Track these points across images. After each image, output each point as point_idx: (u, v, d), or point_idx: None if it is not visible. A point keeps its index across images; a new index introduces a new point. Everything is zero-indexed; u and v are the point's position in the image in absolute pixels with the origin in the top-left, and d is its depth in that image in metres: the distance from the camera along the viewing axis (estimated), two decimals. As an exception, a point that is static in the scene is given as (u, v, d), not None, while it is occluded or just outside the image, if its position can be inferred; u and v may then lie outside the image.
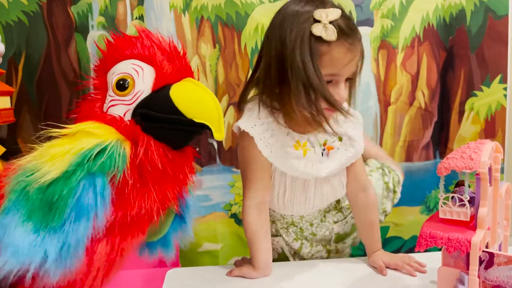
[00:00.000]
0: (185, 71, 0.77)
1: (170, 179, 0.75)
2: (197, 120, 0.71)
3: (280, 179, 0.95)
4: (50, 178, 0.66)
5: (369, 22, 1.43)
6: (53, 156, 0.68)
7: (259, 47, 1.41)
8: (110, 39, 0.81)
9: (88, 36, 1.38)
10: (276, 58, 0.85)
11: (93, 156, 0.68)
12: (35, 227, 0.66)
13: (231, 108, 1.44)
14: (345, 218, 1.09)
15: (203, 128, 0.72)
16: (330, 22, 0.81)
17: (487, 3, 1.40)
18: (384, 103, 1.48)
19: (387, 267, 0.95)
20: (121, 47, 0.77)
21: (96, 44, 0.83)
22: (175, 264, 1.30)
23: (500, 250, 0.77)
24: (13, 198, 0.67)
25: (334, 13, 0.83)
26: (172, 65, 0.75)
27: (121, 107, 0.75)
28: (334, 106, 0.83)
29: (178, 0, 1.39)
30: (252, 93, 0.98)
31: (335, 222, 1.08)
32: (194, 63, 1.42)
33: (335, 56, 0.81)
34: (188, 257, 1.49)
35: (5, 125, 1.32)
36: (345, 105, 0.90)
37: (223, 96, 1.44)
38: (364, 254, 1.25)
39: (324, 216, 1.06)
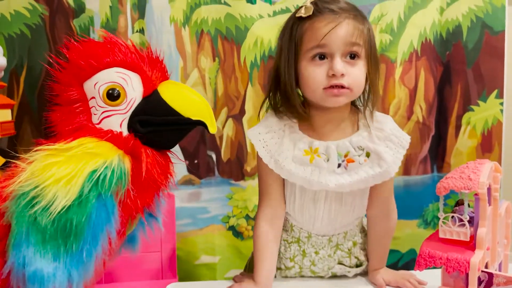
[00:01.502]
0: (164, 73, 0.79)
1: (157, 184, 0.77)
2: (193, 118, 0.73)
3: (291, 188, 0.90)
4: (62, 206, 0.66)
5: (367, 37, 1.45)
6: (58, 179, 0.67)
7: (258, 60, 1.43)
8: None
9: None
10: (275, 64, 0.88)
11: (101, 178, 0.69)
12: (54, 254, 0.67)
13: (230, 121, 1.45)
14: (350, 268, 0.98)
15: (198, 125, 0.75)
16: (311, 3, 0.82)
17: (483, 19, 1.42)
18: (382, 117, 1.49)
19: (387, 285, 0.92)
20: (98, 54, 0.75)
21: (62, 49, 0.78)
22: (172, 277, 1.30)
23: (500, 269, 0.77)
24: (23, 230, 0.67)
25: None
26: (154, 69, 0.76)
27: (117, 117, 0.74)
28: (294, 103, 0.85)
29: (178, 13, 1.40)
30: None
31: (340, 263, 0.97)
32: (194, 76, 1.43)
33: (316, 26, 0.81)
34: (185, 270, 1.49)
35: (5, 137, 1.32)
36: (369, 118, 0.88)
37: (222, 109, 1.44)
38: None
39: (334, 253, 0.96)
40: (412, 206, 1.53)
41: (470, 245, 0.70)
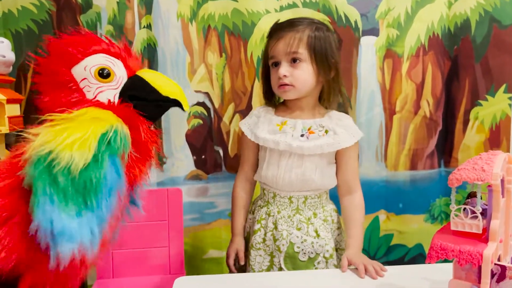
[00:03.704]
0: (139, 63, 0.93)
1: (149, 152, 0.87)
2: (171, 97, 0.87)
3: (264, 153, 1.14)
4: (82, 164, 0.72)
5: (374, 32, 1.45)
6: (72, 142, 0.73)
7: (265, 56, 1.43)
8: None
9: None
10: None
11: (112, 139, 0.77)
12: (76, 210, 0.73)
13: (237, 116, 1.45)
14: (307, 237, 1.10)
15: (173, 103, 0.88)
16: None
17: (492, 13, 1.41)
18: (389, 111, 1.49)
19: (349, 265, 1.01)
20: (85, 43, 0.86)
21: (51, 39, 0.87)
22: (180, 272, 1.30)
23: None
24: (46, 191, 0.71)
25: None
26: (131, 58, 0.90)
27: (110, 91, 0.86)
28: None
29: (185, 9, 1.40)
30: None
31: (298, 229, 1.10)
32: (201, 71, 1.43)
33: (270, 43, 1.11)
34: (193, 264, 1.49)
35: (13, 132, 1.33)
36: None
37: (229, 104, 1.44)
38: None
39: (294, 215, 1.11)
40: (419, 201, 1.53)
41: (483, 237, 0.69)
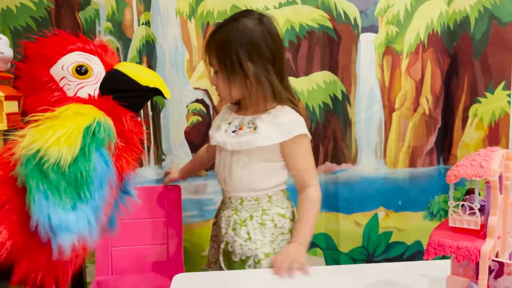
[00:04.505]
0: (116, 58, 0.96)
1: (133, 142, 0.89)
2: (151, 86, 0.90)
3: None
4: (70, 159, 0.75)
5: (374, 29, 1.44)
6: (58, 138, 0.76)
7: (264, 52, 1.42)
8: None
9: (95, 41, 1.38)
10: None
11: (96, 132, 0.80)
12: (71, 203, 0.76)
13: (236, 113, 1.45)
14: (238, 238, 1.08)
15: (154, 92, 0.91)
16: None
17: (491, 10, 1.41)
18: (389, 109, 1.49)
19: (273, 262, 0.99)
20: (60, 43, 0.89)
21: (27, 44, 0.91)
22: (179, 269, 1.31)
23: (510, 259, 0.77)
24: (39, 188, 0.74)
25: None
26: (107, 54, 0.93)
27: (89, 87, 0.88)
28: None
29: (184, 6, 1.40)
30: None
31: (233, 229, 1.09)
32: (200, 68, 1.43)
33: None
34: (192, 261, 1.49)
35: (12, 129, 1.32)
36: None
37: (228, 101, 1.44)
38: (368, 261, 1.24)
39: (232, 215, 1.11)
40: (418, 198, 1.53)
41: (481, 234, 0.69)
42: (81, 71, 0.88)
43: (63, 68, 0.88)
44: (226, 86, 1.07)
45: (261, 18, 1.05)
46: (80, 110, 0.83)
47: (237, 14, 1.10)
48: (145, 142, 0.94)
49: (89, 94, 0.87)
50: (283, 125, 1.05)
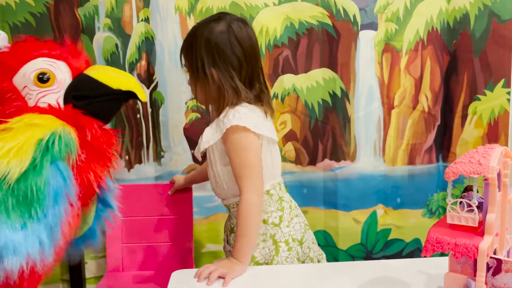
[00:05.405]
0: (88, 63, 0.91)
1: (104, 153, 0.85)
2: (123, 89, 0.85)
3: None
4: (18, 173, 0.70)
5: (373, 26, 1.44)
6: (7, 151, 0.71)
7: (263, 49, 1.42)
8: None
9: (94, 38, 1.39)
10: None
11: (50, 144, 0.75)
12: (21, 221, 0.70)
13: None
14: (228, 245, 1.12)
15: (128, 96, 0.87)
16: None
17: (491, 7, 1.41)
18: (388, 106, 1.49)
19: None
20: (24, 50, 0.86)
21: None
22: (189, 267, 1.31)
23: (508, 256, 0.77)
24: None
25: None
26: (78, 59, 0.89)
27: (51, 95, 0.84)
28: None
29: (183, 2, 1.39)
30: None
31: (229, 236, 1.12)
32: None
33: None
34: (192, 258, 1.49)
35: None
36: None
37: (228, 98, 1.44)
38: (367, 258, 1.24)
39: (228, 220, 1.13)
40: (417, 195, 1.53)
41: (479, 231, 0.70)
42: (43, 79, 0.83)
43: (25, 75, 0.84)
44: (194, 89, 1.06)
45: (230, 24, 1.01)
46: (35, 121, 0.78)
47: (209, 18, 1.06)
48: (119, 152, 0.91)
49: (49, 104, 0.83)
50: (220, 121, 1.01)
